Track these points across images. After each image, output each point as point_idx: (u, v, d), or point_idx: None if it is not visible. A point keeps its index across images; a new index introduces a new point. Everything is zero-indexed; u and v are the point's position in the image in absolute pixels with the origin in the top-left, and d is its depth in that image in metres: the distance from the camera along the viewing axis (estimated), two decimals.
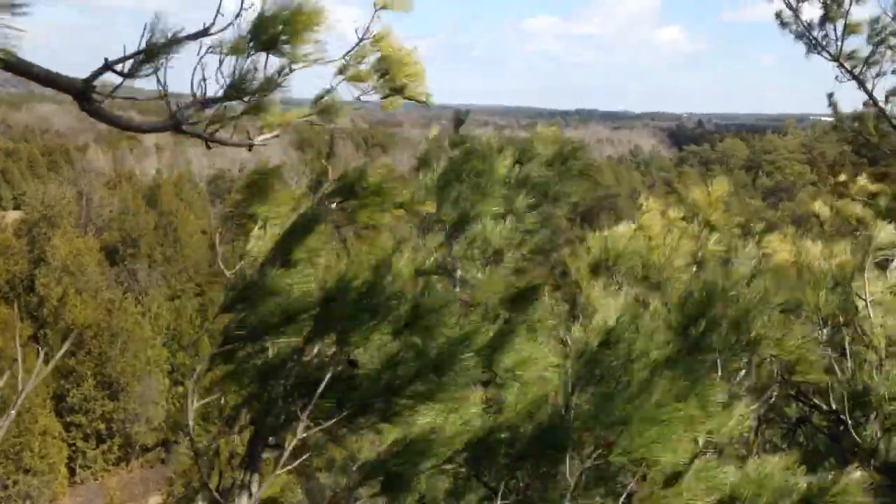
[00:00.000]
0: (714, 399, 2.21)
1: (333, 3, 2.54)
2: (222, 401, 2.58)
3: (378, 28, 2.71)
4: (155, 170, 74.04)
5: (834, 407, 3.42)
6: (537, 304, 3.50)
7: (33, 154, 71.66)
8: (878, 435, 3.12)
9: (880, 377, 3.07)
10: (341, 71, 2.53)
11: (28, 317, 34.82)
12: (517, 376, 2.85)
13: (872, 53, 8.57)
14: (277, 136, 2.41)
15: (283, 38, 2.20)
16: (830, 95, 9.36)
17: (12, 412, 2.42)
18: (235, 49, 2.12)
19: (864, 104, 9.24)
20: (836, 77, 8.92)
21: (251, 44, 2.16)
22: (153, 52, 1.98)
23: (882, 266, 3.67)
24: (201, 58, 2.09)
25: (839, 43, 8.63)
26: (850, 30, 8.53)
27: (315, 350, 2.49)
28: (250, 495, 2.35)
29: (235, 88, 2.16)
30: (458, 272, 3.65)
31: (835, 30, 8.66)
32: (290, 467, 2.31)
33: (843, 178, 6.30)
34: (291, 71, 2.33)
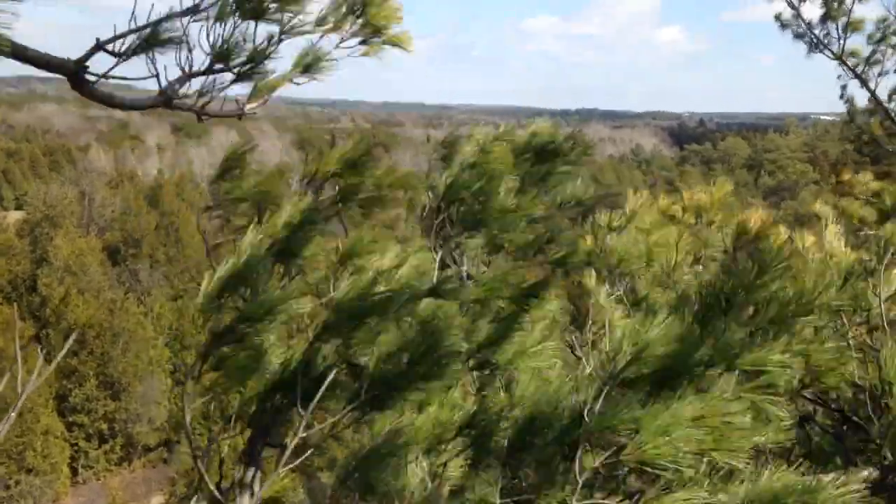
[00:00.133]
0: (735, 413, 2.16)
1: None
2: (222, 400, 2.58)
3: None
4: (156, 170, 74.09)
5: (842, 406, 3.40)
6: (543, 303, 3.48)
7: (35, 154, 71.74)
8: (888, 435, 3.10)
9: None
10: (320, 22, 2.49)
11: (30, 317, 34.86)
12: (520, 367, 2.84)
13: (874, 52, 8.56)
14: (265, 102, 2.38)
15: (272, 5, 2.19)
16: (844, 87, 9.34)
17: (12, 414, 2.41)
18: (220, 16, 2.12)
19: (869, 101, 9.23)
20: (839, 76, 8.92)
21: (237, 12, 2.15)
22: (151, 42, 1.99)
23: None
24: (186, 28, 2.08)
25: (841, 41, 8.62)
26: (852, 27, 8.52)
27: (315, 349, 2.49)
28: (251, 495, 2.34)
29: (221, 58, 2.15)
30: (465, 268, 3.64)
31: (836, 28, 8.65)
32: (290, 466, 2.30)
33: (846, 177, 6.29)
34: (281, 41, 2.32)
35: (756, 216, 4.57)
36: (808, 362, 2.81)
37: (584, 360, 3.94)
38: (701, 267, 4.88)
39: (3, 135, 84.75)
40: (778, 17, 9.01)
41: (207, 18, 2.13)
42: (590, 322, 4.37)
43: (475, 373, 3.04)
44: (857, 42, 8.74)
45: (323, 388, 2.31)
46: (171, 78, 2.16)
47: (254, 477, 2.40)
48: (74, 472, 32.55)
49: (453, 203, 3.42)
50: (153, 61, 2.06)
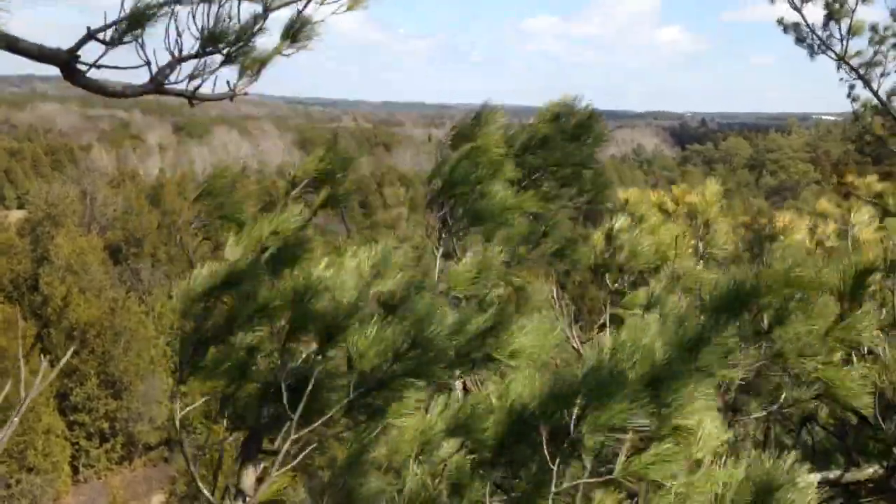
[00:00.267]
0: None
1: None
2: (217, 402, 2.57)
3: None
4: (158, 169, 74.14)
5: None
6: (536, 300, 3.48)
7: (37, 153, 71.80)
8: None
9: None
10: None
11: (32, 316, 34.87)
12: (516, 360, 2.83)
13: (875, 53, 8.56)
14: (256, 79, 2.36)
15: None
16: (852, 88, 9.34)
17: (15, 419, 2.40)
18: None
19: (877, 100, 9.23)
20: (841, 78, 8.92)
21: None
22: (135, 18, 1.99)
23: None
24: (173, 10, 2.07)
25: (844, 42, 8.62)
26: (854, 30, 8.52)
27: (306, 349, 2.48)
28: (246, 497, 2.33)
29: (210, 40, 2.15)
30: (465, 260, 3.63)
31: (839, 29, 8.65)
32: (285, 469, 2.29)
33: (850, 178, 6.28)
34: (266, 16, 2.30)
35: (784, 218, 4.59)
36: (826, 387, 2.80)
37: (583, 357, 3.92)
38: (701, 264, 4.87)
39: (5, 134, 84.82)
40: (780, 21, 9.00)
41: (193, 2, 2.12)
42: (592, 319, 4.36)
43: (467, 369, 3.02)
44: (859, 44, 8.76)
45: (309, 388, 2.30)
46: (163, 65, 2.15)
47: (248, 479, 2.39)
48: (75, 470, 32.56)
49: (451, 197, 3.42)
50: (142, 46, 2.07)
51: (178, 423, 2.31)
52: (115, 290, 38.27)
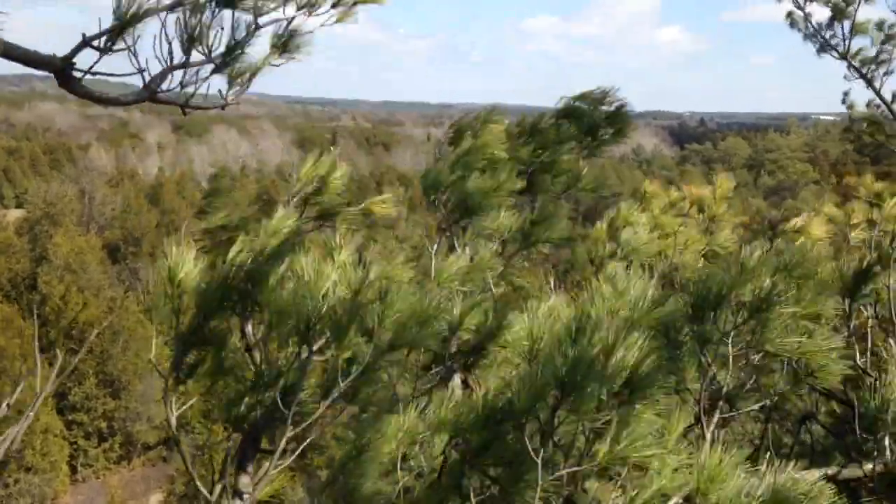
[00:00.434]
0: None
1: None
2: (213, 402, 2.57)
3: None
4: (157, 168, 74.10)
5: (850, 399, 3.38)
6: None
7: (35, 152, 71.73)
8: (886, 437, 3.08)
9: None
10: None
11: (30, 315, 34.84)
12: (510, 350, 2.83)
13: (879, 52, 8.58)
14: (246, 88, 2.38)
15: None
16: (846, 94, 9.39)
17: (31, 414, 2.40)
18: (195, 7, 2.12)
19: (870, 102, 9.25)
20: (845, 76, 8.94)
21: (212, 1, 2.15)
22: (128, 24, 2.00)
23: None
24: (164, 21, 2.09)
25: (847, 42, 8.65)
26: (857, 30, 8.55)
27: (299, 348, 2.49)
28: (243, 496, 2.33)
29: (191, 40, 2.16)
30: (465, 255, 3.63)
31: (842, 28, 8.67)
32: (281, 467, 2.29)
33: (851, 180, 6.29)
34: (258, 27, 2.31)
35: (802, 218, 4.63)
36: (805, 357, 2.80)
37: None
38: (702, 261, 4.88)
39: (3, 133, 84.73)
40: (789, 15, 9.03)
41: (185, 11, 2.13)
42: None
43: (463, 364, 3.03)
44: (861, 43, 8.78)
45: (301, 385, 2.30)
46: (156, 74, 2.17)
47: (245, 478, 2.39)
48: (73, 470, 32.52)
49: (447, 192, 3.43)
50: (135, 55, 2.08)
51: (173, 422, 2.31)
52: (114, 290, 38.26)
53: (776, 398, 3.13)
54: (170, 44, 2.13)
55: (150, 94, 2.16)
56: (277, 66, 2.48)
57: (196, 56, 2.20)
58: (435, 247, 3.47)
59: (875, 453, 3.01)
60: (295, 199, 3.14)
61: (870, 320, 3.50)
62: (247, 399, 2.46)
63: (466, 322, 2.83)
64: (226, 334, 2.48)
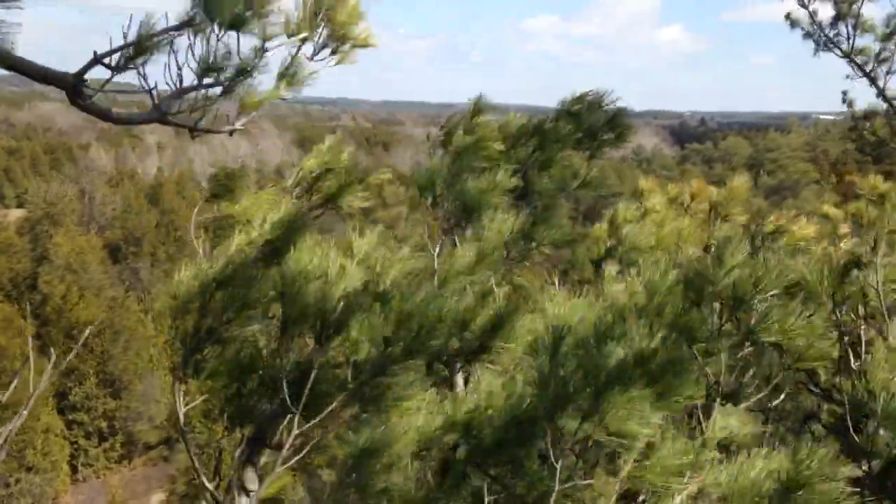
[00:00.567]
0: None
1: None
2: (218, 400, 2.57)
3: None
4: (157, 168, 74.11)
5: (844, 399, 3.39)
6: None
7: (36, 152, 71.71)
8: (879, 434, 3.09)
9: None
10: (290, 34, 2.55)
11: (31, 315, 34.84)
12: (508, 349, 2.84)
13: (882, 49, 8.58)
14: (254, 118, 2.44)
15: (246, 13, 2.22)
16: (845, 93, 9.41)
17: (24, 412, 2.41)
18: (199, 29, 2.15)
19: (877, 97, 9.26)
20: (847, 75, 8.95)
21: (217, 24, 2.17)
22: (145, 50, 2.00)
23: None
24: (172, 43, 2.10)
25: (851, 40, 8.65)
26: (862, 28, 8.55)
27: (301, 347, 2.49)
28: (249, 494, 2.33)
29: (208, 72, 2.18)
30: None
31: (847, 27, 8.68)
32: (288, 465, 2.30)
33: (855, 179, 6.29)
34: (265, 51, 2.35)
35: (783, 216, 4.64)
36: (790, 343, 2.81)
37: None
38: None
39: (4, 133, 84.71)
40: (788, 16, 9.04)
41: (195, 33, 2.16)
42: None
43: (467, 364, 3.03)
44: (865, 41, 8.78)
45: (310, 383, 2.31)
46: (166, 96, 2.19)
47: (250, 476, 2.39)
48: (74, 470, 32.54)
49: (443, 191, 3.43)
50: (144, 77, 2.09)
51: (181, 416, 2.31)
52: (115, 289, 38.27)
53: (779, 399, 3.14)
54: (179, 68, 2.15)
55: (160, 115, 2.18)
56: (286, 99, 2.55)
57: (205, 79, 2.23)
58: (437, 247, 3.47)
59: (870, 448, 3.01)
60: (298, 189, 3.16)
61: (858, 321, 3.50)
62: (255, 395, 2.47)
63: (476, 321, 2.83)
64: (235, 330, 2.48)
